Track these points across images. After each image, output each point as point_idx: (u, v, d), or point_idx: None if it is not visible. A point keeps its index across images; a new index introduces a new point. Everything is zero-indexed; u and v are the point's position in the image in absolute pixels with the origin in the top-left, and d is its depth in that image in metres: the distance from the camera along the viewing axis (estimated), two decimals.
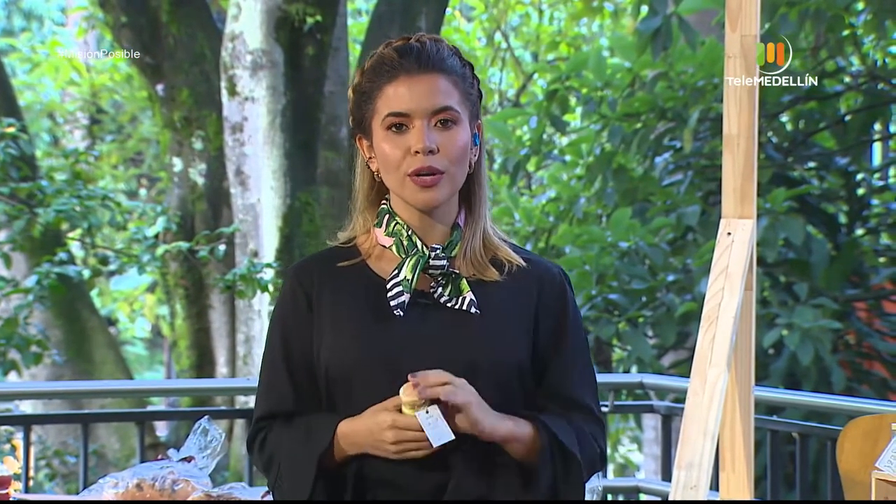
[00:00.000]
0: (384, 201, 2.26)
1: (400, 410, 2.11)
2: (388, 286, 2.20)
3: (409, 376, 2.09)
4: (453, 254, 2.23)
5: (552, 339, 2.24)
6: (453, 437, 2.09)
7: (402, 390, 2.10)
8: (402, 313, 2.18)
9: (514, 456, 2.17)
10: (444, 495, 2.16)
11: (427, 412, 2.08)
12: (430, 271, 2.21)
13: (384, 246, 2.25)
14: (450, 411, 2.10)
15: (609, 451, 6.30)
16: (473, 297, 2.20)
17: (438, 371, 2.11)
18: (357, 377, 2.18)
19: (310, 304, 2.23)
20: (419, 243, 2.22)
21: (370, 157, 2.25)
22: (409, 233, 2.22)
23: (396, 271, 2.21)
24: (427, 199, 2.18)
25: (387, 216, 2.24)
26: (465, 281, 2.21)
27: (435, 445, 2.08)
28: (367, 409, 2.14)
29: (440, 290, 2.21)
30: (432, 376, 2.10)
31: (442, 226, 2.24)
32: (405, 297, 2.18)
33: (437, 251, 2.21)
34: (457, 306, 2.20)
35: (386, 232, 2.24)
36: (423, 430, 2.08)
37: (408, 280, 2.19)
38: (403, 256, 2.22)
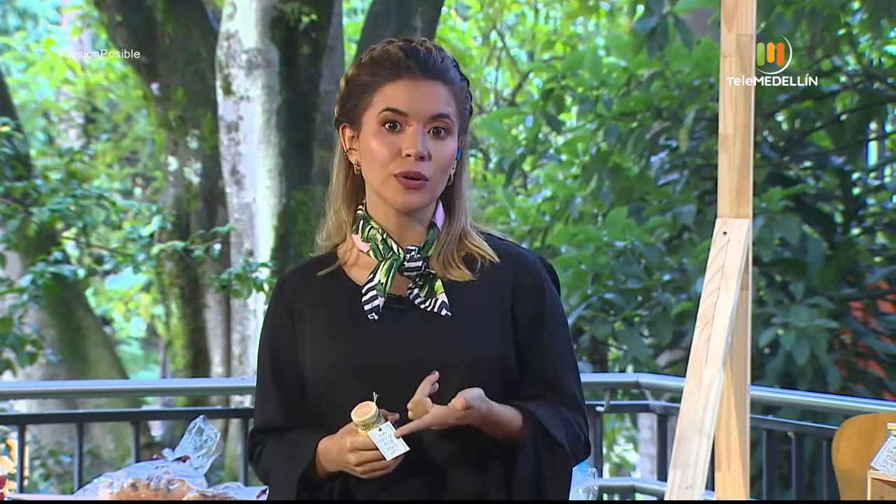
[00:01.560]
0: (360, 206, 2.26)
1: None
2: (363, 291, 2.21)
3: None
4: (429, 254, 2.24)
5: (532, 330, 2.24)
6: (407, 448, 2.10)
7: (353, 413, 2.11)
8: (376, 317, 2.19)
9: (499, 438, 2.18)
10: (428, 496, 2.17)
11: (380, 430, 2.10)
12: (406, 273, 2.22)
13: (362, 251, 2.25)
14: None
15: (605, 450, 6.29)
16: (446, 300, 2.20)
17: (432, 412, 2.11)
18: (337, 385, 2.19)
19: (292, 316, 2.26)
20: (395, 246, 2.22)
21: (351, 149, 2.25)
22: (385, 236, 2.22)
23: (371, 276, 2.22)
24: (408, 202, 2.19)
25: (362, 221, 2.25)
26: (440, 282, 2.21)
27: (388, 458, 2.10)
28: (341, 430, 2.15)
29: (416, 290, 2.22)
30: (434, 419, 2.10)
31: (420, 226, 2.24)
32: (379, 302, 2.19)
33: (413, 253, 2.22)
34: (430, 308, 2.21)
35: (362, 237, 2.25)
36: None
37: (382, 284, 2.20)
38: (379, 260, 2.22)
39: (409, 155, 2.17)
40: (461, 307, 2.20)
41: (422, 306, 2.21)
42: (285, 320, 2.26)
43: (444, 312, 2.19)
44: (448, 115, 2.20)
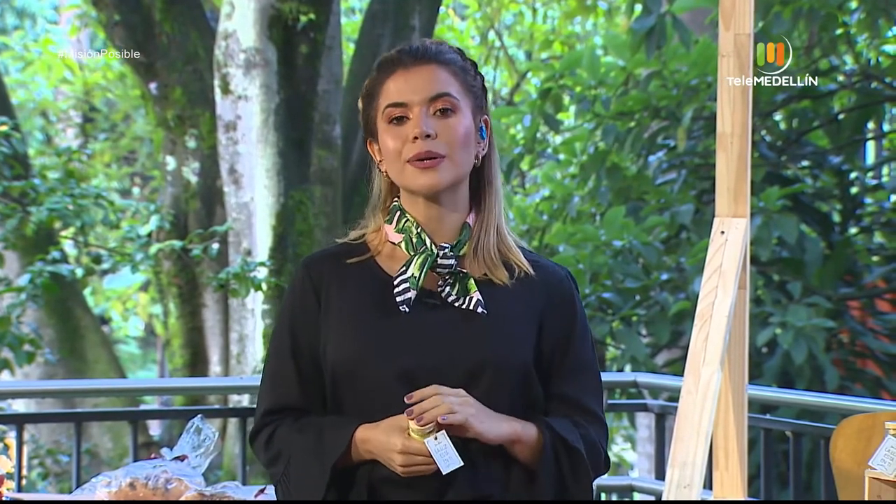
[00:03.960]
0: (396, 199, 2.27)
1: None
2: (395, 282, 2.20)
3: (406, 412, 2.09)
4: (462, 253, 2.23)
5: (559, 345, 2.24)
6: (462, 463, 2.09)
7: (411, 420, 2.10)
8: (407, 309, 2.18)
9: (520, 457, 2.17)
10: (451, 492, 2.16)
11: (436, 439, 2.09)
12: (438, 270, 2.22)
13: (393, 243, 2.25)
14: (453, 428, 2.11)
15: None
16: (480, 298, 2.20)
17: (433, 397, 2.10)
18: (362, 374, 2.18)
19: (318, 298, 2.24)
20: (428, 241, 2.22)
21: (380, 161, 2.27)
22: (419, 230, 2.22)
23: (404, 268, 2.21)
24: (428, 182, 2.18)
25: (398, 213, 2.25)
26: (472, 281, 2.21)
27: (444, 473, 2.09)
28: (384, 422, 2.14)
29: (447, 289, 2.21)
30: (428, 404, 2.10)
31: (451, 222, 2.24)
32: (411, 294, 2.19)
33: (446, 250, 2.21)
34: (463, 306, 2.20)
35: (396, 228, 2.25)
36: (431, 456, 2.09)
37: (415, 277, 2.19)
38: (412, 254, 2.22)
39: (416, 138, 2.18)
40: (495, 308, 2.20)
41: (455, 304, 2.20)
42: (310, 301, 2.24)
43: (479, 310, 2.18)
44: (449, 93, 2.20)
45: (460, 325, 2.19)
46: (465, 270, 2.22)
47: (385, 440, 2.12)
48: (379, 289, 2.22)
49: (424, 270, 2.20)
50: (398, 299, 2.18)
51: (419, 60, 2.21)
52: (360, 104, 2.28)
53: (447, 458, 2.08)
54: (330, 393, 2.22)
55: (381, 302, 2.20)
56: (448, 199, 2.22)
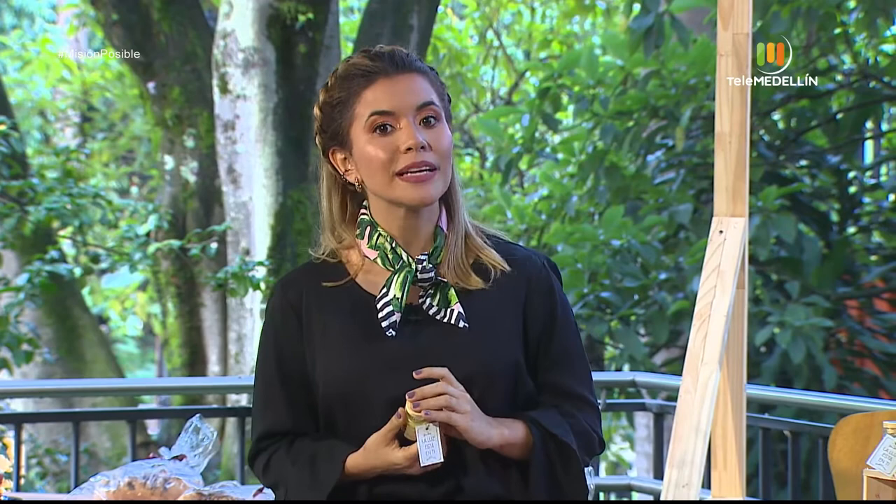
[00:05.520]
0: (363, 212, 2.22)
1: (400, 434, 2.11)
2: (378, 306, 2.17)
3: (407, 394, 2.09)
4: (439, 260, 2.20)
5: (543, 336, 2.22)
6: (441, 460, 2.09)
7: (409, 404, 2.10)
8: (393, 333, 2.15)
9: (512, 458, 2.17)
10: (463, 492, 2.15)
11: (427, 428, 2.09)
12: (419, 283, 2.19)
13: (368, 258, 2.21)
14: (447, 428, 2.12)
15: None
16: (461, 310, 2.17)
17: (435, 385, 2.10)
18: (353, 397, 2.16)
19: (300, 319, 2.21)
20: (405, 255, 2.18)
21: (346, 171, 2.21)
22: (394, 245, 2.18)
23: (385, 290, 2.17)
24: (422, 195, 2.14)
25: (368, 227, 2.21)
26: (452, 291, 2.18)
27: (422, 465, 2.09)
28: (370, 448, 2.13)
29: (429, 300, 2.18)
30: (429, 391, 2.10)
31: (426, 230, 2.20)
32: (396, 318, 2.16)
33: (424, 263, 2.18)
34: (445, 319, 2.17)
35: (369, 244, 2.21)
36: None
37: (398, 299, 2.16)
38: (390, 270, 2.18)
39: (409, 149, 2.13)
40: (477, 316, 2.18)
41: (437, 317, 2.18)
42: (292, 324, 2.21)
43: (461, 324, 2.16)
44: (433, 102, 2.17)
45: (445, 341, 2.16)
46: (444, 279, 2.19)
47: (384, 463, 2.12)
48: (361, 309, 2.18)
49: (406, 289, 2.16)
50: (383, 324, 2.16)
51: (402, 69, 2.17)
52: (318, 111, 2.21)
53: (430, 452, 2.08)
54: (322, 414, 2.20)
55: (365, 323, 2.17)
56: (428, 209, 2.19)
